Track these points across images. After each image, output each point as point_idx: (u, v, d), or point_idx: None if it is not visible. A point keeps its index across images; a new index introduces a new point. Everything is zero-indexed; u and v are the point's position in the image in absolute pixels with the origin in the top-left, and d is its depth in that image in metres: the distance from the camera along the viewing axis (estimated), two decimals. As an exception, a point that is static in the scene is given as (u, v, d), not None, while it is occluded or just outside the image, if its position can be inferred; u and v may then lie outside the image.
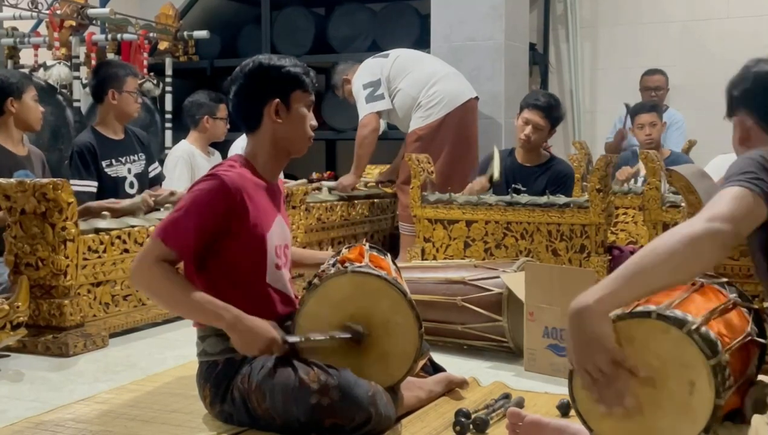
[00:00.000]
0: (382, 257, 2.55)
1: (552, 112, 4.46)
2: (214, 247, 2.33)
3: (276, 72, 2.44)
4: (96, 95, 4.22)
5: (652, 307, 1.77)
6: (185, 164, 5.00)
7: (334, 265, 2.43)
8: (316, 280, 2.36)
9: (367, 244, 2.62)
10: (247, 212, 2.33)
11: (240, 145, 5.33)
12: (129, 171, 4.21)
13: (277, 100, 2.41)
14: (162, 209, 3.98)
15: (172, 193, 4.10)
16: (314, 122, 2.50)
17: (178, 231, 2.27)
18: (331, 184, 5.23)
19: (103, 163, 4.10)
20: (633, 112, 5.48)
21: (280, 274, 2.44)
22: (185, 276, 2.36)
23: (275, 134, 2.43)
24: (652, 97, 6.26)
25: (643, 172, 4.49)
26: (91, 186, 4.03)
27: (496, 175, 4.34)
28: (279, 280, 2.43)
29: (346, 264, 2.38)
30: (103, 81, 4.16)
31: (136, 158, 4.26)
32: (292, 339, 2.27)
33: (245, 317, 2.25)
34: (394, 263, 2.63)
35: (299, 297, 2.43)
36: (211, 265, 2.35)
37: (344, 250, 2.58)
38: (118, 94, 4.14)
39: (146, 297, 3.63)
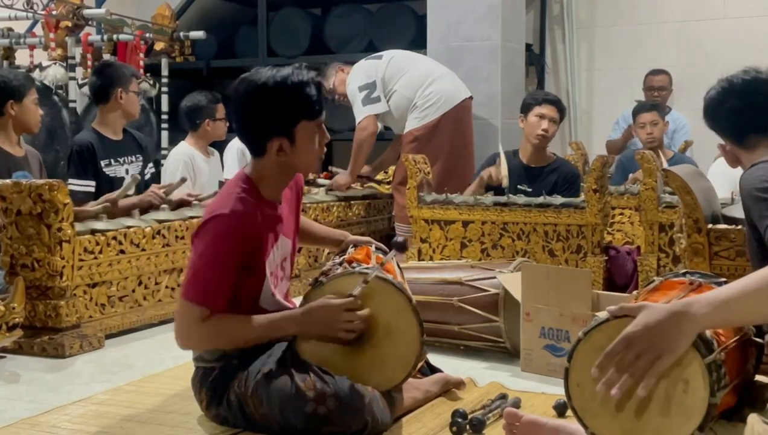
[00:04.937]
0: (389, 261, 2.54)
1: (561, 106, 4.63)
2: None
3: (279, 104, 2.26)
4: (100, 95, 4.22)
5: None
6: (186, 167, 4.99)
7: (341, 264, 2.42)
8: (322, 278, 2.35)
9: (374, 245, 2.62)
10: (258, 248, 2.29)
11: (236, 146, 5.33)
12: (127, 171, 4.22)
13: (280, 139, 2.27)
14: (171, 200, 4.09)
15: (182, 180, 4.24)
16: (327, 138, 2.39)
17: (208, 286, 2.22)
18: (326, 182, 5.24)
19: (102, 163, 4.11)
20: (634, 112, 5.49)
21: (274, 299, 2.40)
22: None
23: (281, 165, 2.33)
24: (655, 97, 6.27)
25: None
26: (89, 185, 4.04)
27: (505, 182, 4.38)
28: (273, 304, 2.39)
29: (354, 264, 2.38)
30: (110, 81, 4.17)
31: (134, 159, 4.27)
32: (356, 290, 2.26)
33: (304, 312, 2.27)
34: (399, 266, 2.63)
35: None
36: None
37: (351, 250, 2.58)
38: (125, 94, 4.17)
39: (141, 297, 3.64)
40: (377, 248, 2.63)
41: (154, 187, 4.13)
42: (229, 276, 2.24)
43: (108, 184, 4.12)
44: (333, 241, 2.80)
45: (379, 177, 5.69)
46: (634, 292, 2.07)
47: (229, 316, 2.27)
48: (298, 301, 2.58)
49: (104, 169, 4.11)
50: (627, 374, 1.66)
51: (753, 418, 1.68)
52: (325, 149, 2.42)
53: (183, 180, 4.26)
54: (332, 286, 2.32)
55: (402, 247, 2.31)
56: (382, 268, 2.34)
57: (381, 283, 2.30)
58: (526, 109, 4.56)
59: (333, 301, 2.26)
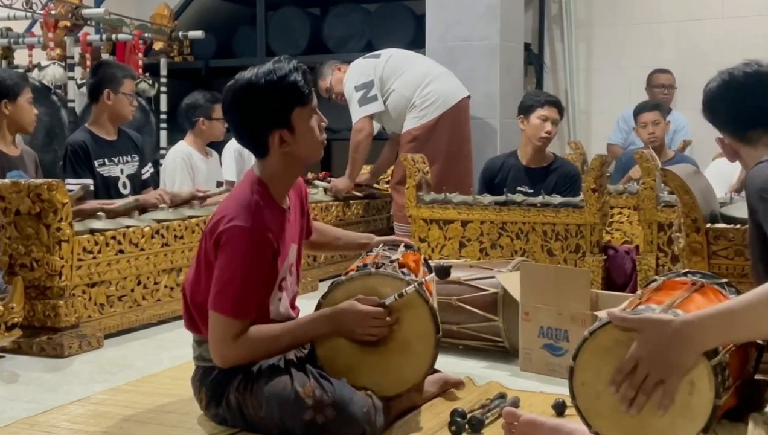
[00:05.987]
0: (430, 280, 2.55)
1: (561, 107, 4.63)
2: None
3: (269, 97, 2.27)
4: (92, 95, 4.21)
5: (654, 307, 1.77)
6: (185, 166, 4.97)
7: (392, 262, 2.43)
8: (372, 269, 2.36)
9: (402, 245, 2.66)
10: (276, 258, 2.30)
11: (234, 146, 5.32)
12: (122, 171, 4.20)
13: (279, 131, 2.29)
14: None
15: (193, 197, 4.24)
16: (324, 122, 2.39)
17: (243, 300, 2.22)
18: (325, 184, 5.23)
19: (96, 163, 4.10)
20: (635, 111, 5.49)
21: (279, 310, 2.40)
22: (189, 282, 2.37)
23: (286, 157, 2.33)
24: (665, 95, 6.24)
25: None
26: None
27: None
28: (279, 316, 2.39)
29: (405, 270, 2.40)
30: (100, 81, 4.15)
31: (129, 159, 4.26)
32: (388, 301, 2.28)
33: (335, 313, 2.28)
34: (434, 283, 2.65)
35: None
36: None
37: (402, 249, 2.60)
38: (114, 95, 4.13)
39: (140, 297, 3.64)
40: (407, 246, 2.67)
41: (162, 191, 4.13)
42: (258, 286, 2.25)
43: (103, 184, 4.11)
44: (359, 245, 2.80)
45: (377, 176, 5.69)
46: (638, 292, 2.06)
47: (260, 328, 2.26)
48: (299, 302, 2.58)
49: (98, 169, 4.10)
50: (641, 393, 1.68)
51: (754, 419, 1.68)
52: (325, 135, 2.41)
53: (194, 197, 4.25)
54: (377, 280, 2.33)
55: (444, 274, 2.32)
56: (422, 286, 2.35)
57: (419, 301, 2.30)
58: (527, 110, 4.53)
59: (363, 308, 2.27)
